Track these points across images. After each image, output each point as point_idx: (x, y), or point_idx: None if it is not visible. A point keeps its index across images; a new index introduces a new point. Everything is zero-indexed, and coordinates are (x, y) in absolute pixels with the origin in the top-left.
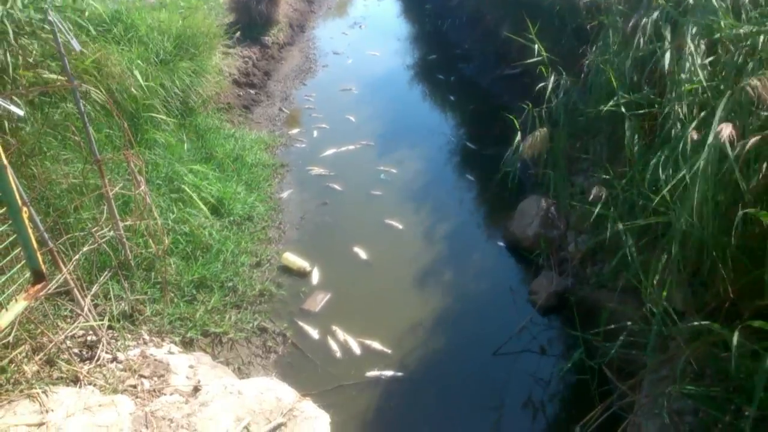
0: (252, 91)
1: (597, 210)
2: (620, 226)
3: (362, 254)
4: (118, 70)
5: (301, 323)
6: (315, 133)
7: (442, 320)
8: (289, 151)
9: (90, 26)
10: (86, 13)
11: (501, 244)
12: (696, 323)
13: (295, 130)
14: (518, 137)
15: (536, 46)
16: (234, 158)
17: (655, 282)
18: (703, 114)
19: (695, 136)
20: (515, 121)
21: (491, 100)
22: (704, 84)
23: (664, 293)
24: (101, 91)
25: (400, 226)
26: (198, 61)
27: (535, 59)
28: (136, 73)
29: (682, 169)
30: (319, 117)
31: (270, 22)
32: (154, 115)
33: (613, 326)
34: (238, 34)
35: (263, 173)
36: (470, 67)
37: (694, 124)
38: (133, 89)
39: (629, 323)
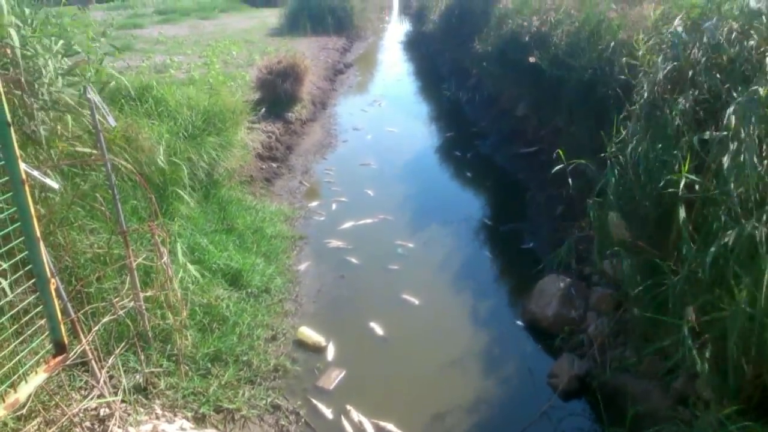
0: (274, 165)
1: None
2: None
3: (378, 330)
4: (148, 144)
5: (315, 401)
6: (334, 206)
7: (460, 401)
8: (308, 223)
9: (122, 101)
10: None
11: (519, 323)
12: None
13: (314, 203)
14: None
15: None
16: (254, 230)
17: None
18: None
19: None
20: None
21: (507, 177)
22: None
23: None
24: (131, 164)
25: (417, 302)
26: (224, 136)
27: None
28: (162, 145)
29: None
30: (338, 190)
31: (294, 100)
32: (179, 190)
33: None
34: (263, 110)
35: (282, 245)
36: (487, 145)
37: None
38: (161, 163)
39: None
